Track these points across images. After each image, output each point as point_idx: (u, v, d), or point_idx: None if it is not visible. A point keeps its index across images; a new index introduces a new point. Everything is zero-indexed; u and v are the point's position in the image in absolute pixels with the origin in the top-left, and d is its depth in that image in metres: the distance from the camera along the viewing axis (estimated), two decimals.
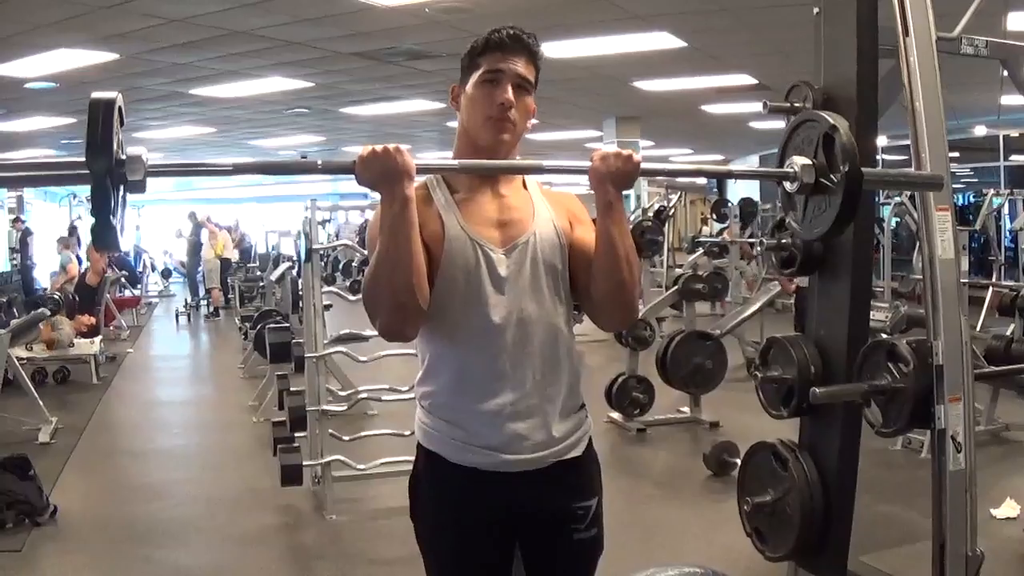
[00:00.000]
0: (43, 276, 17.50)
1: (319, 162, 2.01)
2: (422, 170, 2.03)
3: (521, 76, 2.19)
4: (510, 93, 2.17)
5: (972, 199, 17.74)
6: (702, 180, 27.61)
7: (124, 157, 1.75)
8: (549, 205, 2.29)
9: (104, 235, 1.73)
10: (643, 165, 2.10)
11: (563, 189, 2.76)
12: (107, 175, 1.70)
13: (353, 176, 1.96)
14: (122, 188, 1.77)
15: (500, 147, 2.20)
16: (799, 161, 2.17)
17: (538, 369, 2.19)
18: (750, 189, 20.60)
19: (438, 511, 2.26)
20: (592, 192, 2.12)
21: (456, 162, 2.16)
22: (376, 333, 2.14)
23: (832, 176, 2.11)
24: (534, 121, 2.30)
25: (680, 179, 12.53)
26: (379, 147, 1.93)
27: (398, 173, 1.94)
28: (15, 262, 17.36)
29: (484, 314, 2.15)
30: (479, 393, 2.17)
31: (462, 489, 2.21)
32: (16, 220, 18.17)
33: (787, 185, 2.21)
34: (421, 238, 2.06)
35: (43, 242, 19.51)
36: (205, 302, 17.50)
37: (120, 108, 1.75)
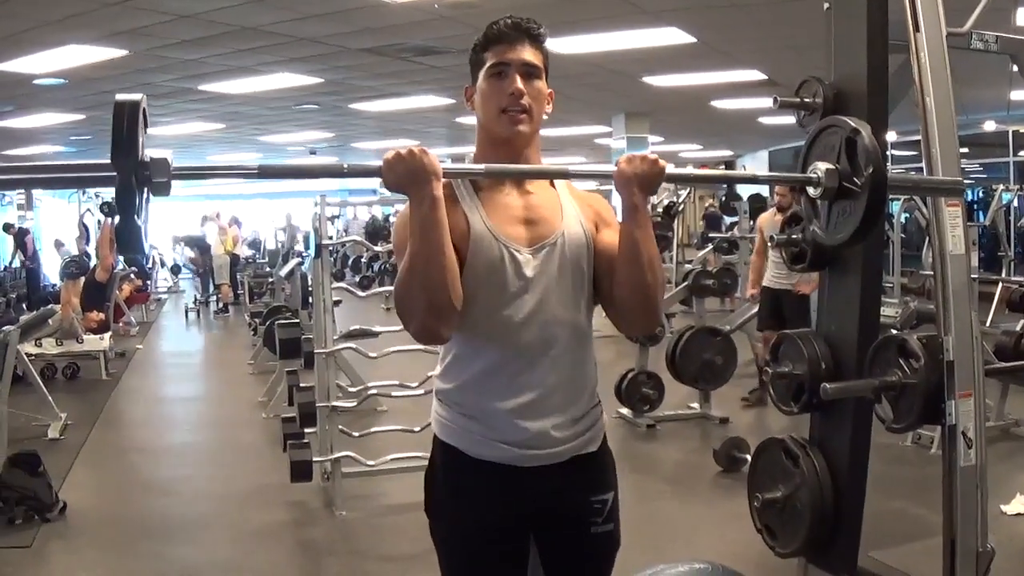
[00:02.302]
0: (52, 272, 17.52)
1: (345, 166, 2.02)
2: (448, 175, 2.03)
3: (527, 63, 2.19)
4: (519, 83, 2.17)
5: (981, 195, 17.69)
6: None
7: (149, 159, 1.75)
8: (576, 204, 2.28)
9: (129, 237, 1.73)
10: (668, 170, 2.08)
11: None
12: (132, 176, 1.71)
13: (379, 179, 1.96)
14: (146, 190, 1.78)
15: (518, 138, 2.21)
16: (822, 166, 2.15)
17: (560, 369, 2.19)
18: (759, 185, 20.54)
19: (454, 504, 2.26)
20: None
21: (482, 167, 2.13)
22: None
23: (856, 180, 2.10)
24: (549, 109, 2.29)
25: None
26: (403, 150, 1.93)
27: (425, 174, 1.93)
28: (23, 262, 17.38)
29: (508, 314, 2.15)
30: (501, 391, 2.17)
31: (479, 482, 2.21)
32: (8, 226, 18.15)
33: (811, 191, 2.19)
34: None
35: (51, 238, 19.60)
36: (214, 298, 17.54)
37: (144, 110, 1.76)
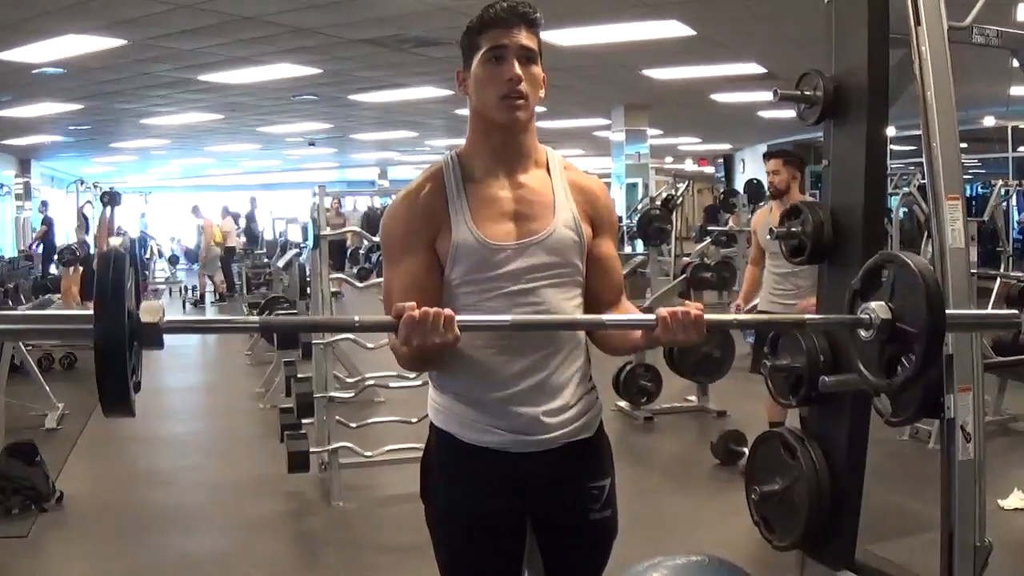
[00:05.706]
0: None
1: (356, 320, 1.95)
2: (466, 328, 1.91)
3: (525, 48, 2.14)
4: (517, 68, 2.12)
5: (980, 190, 17.70)
6: (710, 169, 27.73)
7: (137, 315, 1.63)
8: (572, 197, 2.24)
9: (114, 398, 1.58)
10: (707, 316, 2.00)
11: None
12: (117, 337, 1.57)
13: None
14: (136, 344, 1.64)
15: (516, 124, 2.17)
16: (878, 311, 2.10)
17: (553, 359, 2.19)
18: (758, 171, 20.57)
19: (449, 490, 2.25)
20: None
21: (508, 318, 2.06)
22: None
23: (912, 332, 2.02)
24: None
25: (688, 168, 12.56)
26: (421, 335, 1.83)
27: (442, 348, 1.90)
28: (34, 247, 17.44)
29: (496, 307, 2.14)
30: (494, 381, 2.16)
31: (473, 468, 2.21)
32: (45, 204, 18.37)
33: (862, 333, 2.14)
34: (431, 240, 2.15)
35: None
36: (210, 289, 17.53)
37: (131, 257, 1.65)
